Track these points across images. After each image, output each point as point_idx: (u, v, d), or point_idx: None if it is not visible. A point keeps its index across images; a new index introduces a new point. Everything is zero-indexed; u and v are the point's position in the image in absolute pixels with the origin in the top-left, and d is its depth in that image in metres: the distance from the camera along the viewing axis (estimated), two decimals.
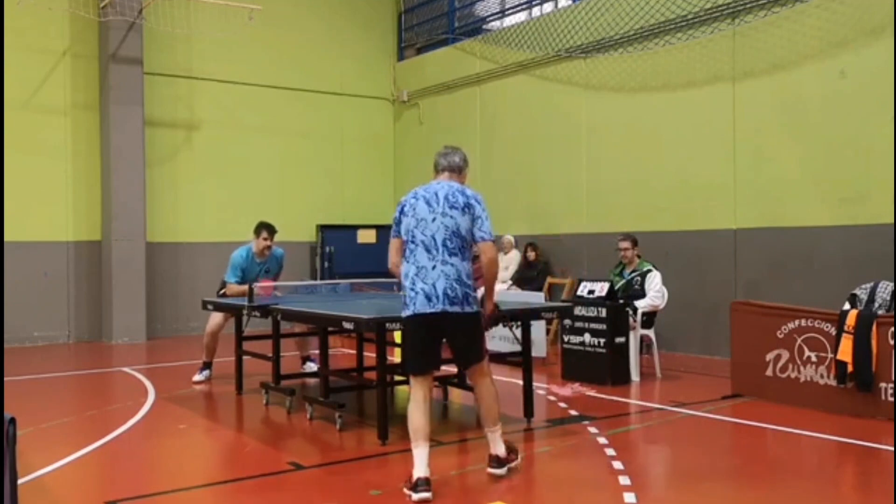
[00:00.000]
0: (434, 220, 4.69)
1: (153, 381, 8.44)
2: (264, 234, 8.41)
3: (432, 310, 4.62)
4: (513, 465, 4.95)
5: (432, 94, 14.08)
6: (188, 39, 12.63)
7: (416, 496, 4.37)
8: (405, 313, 4.74)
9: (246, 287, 7.57)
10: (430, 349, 4.77)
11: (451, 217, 4.69)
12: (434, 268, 4.64)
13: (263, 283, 8.22)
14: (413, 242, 4.71)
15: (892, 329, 6.17)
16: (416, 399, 4.69)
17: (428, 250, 4.67)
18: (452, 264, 4.66)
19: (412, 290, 4.66)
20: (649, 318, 8.56)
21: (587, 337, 8.10)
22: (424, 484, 4.41)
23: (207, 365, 8.49)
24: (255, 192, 13.39)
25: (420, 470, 4.48)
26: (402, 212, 4.81)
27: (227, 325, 8.38)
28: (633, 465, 5.21)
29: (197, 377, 8.44)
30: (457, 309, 4.66)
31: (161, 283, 12.62)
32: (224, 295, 8.35)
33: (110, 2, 11.40)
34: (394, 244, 4.87)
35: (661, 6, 10.14)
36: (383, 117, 14.98)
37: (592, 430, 6.11)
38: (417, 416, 4.64)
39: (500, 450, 4.87)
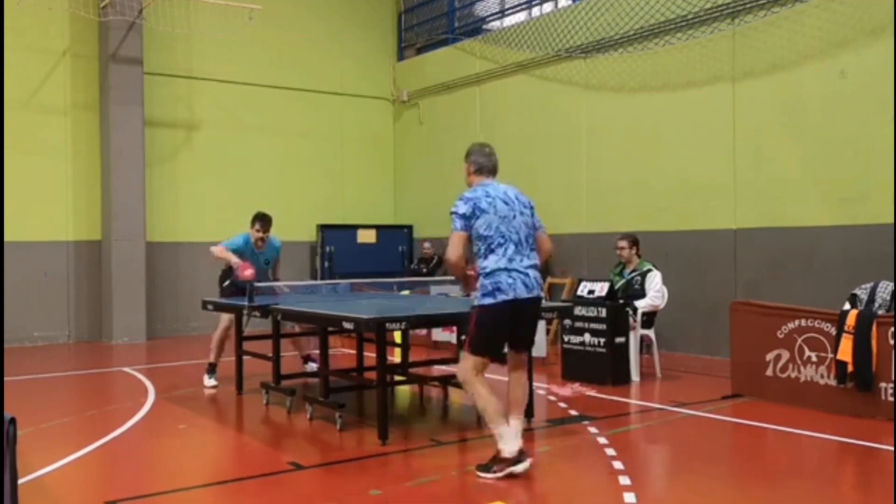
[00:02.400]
0: (515, 217, 5.07)
1: (153, 381, 8.44)
2: (257, 225, 8.30)
3: (530, 294, 5.01)
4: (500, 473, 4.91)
5: (432, 94, 14.08)
6: (188, 39, 12.63)
7: (521, 466, 4.79)
8: (500, 298, 4.93)
9: (232, 257, 7.84)
10: (508, 333, 5.10)
11: (526, 215, 5.15)
12: (523, 260, 5.03)
13: (244, 266, 7.90)
14: (502, 237, 5.00)
15: (892, 329, 6.17)
16: (482, 381, 4.96)
17: (516, 245, 5.03)
18: (533, 257, 5.12)
19: (509, 278, 4.95)
20: (649, 318, 8.56)
21: (587, 337, 8.10)
22: (525, 454, 4.84)
23: (215, 367, 8.29)
24: (255, 192, 13.37)
25: (517, 443, 4.85)
26: (478, 207, 5.01)
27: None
28: (633, 465, 5.21)
29: (211, 381, 8.22)
30: (542, 295, 5.18)
31: (161, 283, 12.62)
32: (223, 273, 8.35)
33: (110, 2, 11.40)
34: (461, 238, 5.02)
35: (661, 6, 10.14)
36: (383, 117, 14.98)
37: (592, 430, 6.11)
38: (493, 398, 4.93)
39: (520, 442, 5.06)
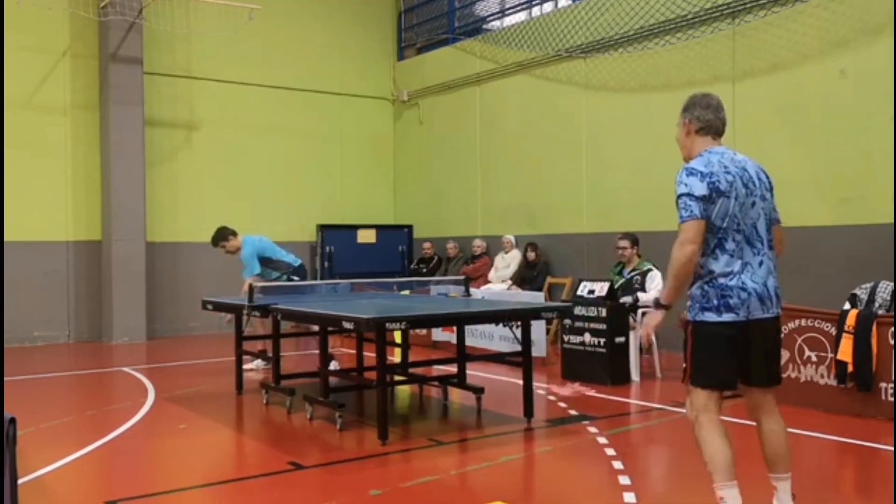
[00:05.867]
0: (754, 204, 3.80)
1: (153, 381, 8.44)
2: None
3: (767, 314, 3.79)
4: None
5: (432, 94, 14.08)
6: (188, 39, 12.63)
7: None
8: (725, 317, 3.70)
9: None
10: (737, 358, 3.86)
11: (768, 201, 3.92)
12: (761, 264, 3.81)
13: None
14: (737, 231, 3.75)
15: (892, 329, 6.17)
16: (714, 422, 3.83)
17: (751, 243, 3.79)
18: (772, 259, 3.90)
19: (743, 290, 3.71)
20: None
21: (587, 337, 8.10)
22: None
23: (262, 353, 8.61)
24: (254, 192, 13.40)
25: None
26: (716, 189, 3.67)
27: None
28: (633, 465, 5.21)
29: (256, 364, 8.73)
30: (780, 313, 3.89)
31: (161, 283, 12.61)
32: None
33: (110, 1, 11.40)
34: (701, 226, 3.66)
35: (661, 6, 10.13)
36: (383, 117, 14.97)
37: (592, 430, 6.10)
38: (725, 446, 3.81)
39: (788, 501, 3.90)
